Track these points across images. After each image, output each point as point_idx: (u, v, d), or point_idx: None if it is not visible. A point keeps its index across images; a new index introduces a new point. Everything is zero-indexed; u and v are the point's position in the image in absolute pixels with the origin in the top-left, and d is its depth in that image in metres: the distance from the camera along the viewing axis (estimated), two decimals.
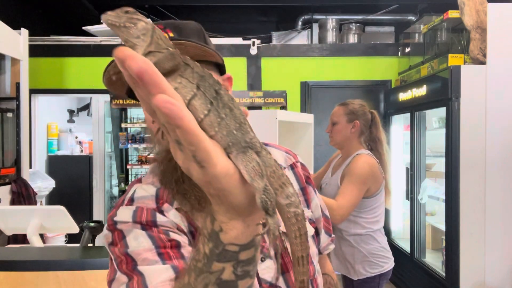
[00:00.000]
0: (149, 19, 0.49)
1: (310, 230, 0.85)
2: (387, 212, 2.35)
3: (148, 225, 0.69)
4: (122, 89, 0.78)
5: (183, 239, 0.70)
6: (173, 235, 0.69)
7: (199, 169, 0.41)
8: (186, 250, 0.68)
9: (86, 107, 6.20)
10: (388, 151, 2.28)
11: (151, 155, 0.80)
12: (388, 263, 2.17)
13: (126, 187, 0.90)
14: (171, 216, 0.72)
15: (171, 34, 0.73)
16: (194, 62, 0.47)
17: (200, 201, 0.71)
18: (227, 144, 0.43)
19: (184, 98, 0.41)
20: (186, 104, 0.41)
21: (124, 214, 0.72)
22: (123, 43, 0.45)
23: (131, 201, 0.76)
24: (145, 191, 0.77)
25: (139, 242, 0.67)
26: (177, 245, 0.68)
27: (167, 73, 0.42)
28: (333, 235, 1.00)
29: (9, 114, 3.54)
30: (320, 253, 0.98)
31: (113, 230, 0.71)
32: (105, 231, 0.73)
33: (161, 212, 0.72)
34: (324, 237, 0.97)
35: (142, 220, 0.70)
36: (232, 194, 0.43)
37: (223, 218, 0.46)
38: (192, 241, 0.71)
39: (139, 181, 0.83)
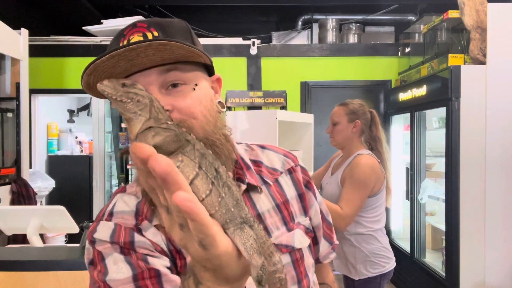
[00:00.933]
0: (146, 92, 0.49)
1: (305, 241, 0.83)
2: (387, 212, 2.35)
3: (127, 248, 0.68)
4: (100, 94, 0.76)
5: (163, 264, 0.68)
6: (152, 261, 0.67)
7: (201, 250, 0.43)
8: (166, 279, 0.66)
9: (86, 107, 6.20)
10: (388, 150, 2.28)
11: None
12: (390, 263, 2.17)
13: None
14: (150, 235, 0.70)
15: (155, 33, 0.70)
16: (193, 136, 0.48)
17: None
18: (225, 221, 0.45)
19: (186, 178, 0.43)
20: (188, 183, 0.42)
21: (103, 231, 0.70)
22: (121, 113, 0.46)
23: (110, 215, 0.73)
24: (125, 204, 0.75)
25: (118, 268, 0.66)
26: (156, 275, 0.66)
27: (169, 153, 0.44)
28: (335, 242, 0.96)
29: (9, 114, 3.54)
30: (319, 261, 0.94)
31: (93, 248, 0.70)
32: (86, 244, 0.72)
33: (140, 231, 0.70)
34: (324, 245, 0.93)
35: (120, 241, 0.68)
36: (228, 268, 0.45)
37: (212, 285, 0.47)
38: (172, 261, 0.70)
39: (122, 189, 0.80)
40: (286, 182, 0.87)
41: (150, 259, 0.67)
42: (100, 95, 0.70)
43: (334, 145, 2.29)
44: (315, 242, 0.91)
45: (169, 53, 0.66)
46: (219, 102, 0.78)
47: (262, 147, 0.92)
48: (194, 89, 0.72)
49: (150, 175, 0.40)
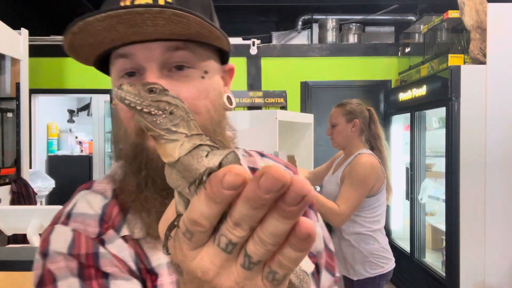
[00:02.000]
0: (179, 101, 0.36)
1: (310, 266, 0.72)
2: (387, 212, 2.36)
3: (88, 266, 0.54)
4: (87, 57, 0.61)
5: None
6: (119, 286, 0.54)
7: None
8: None
9: (86, 107, 6.20)
10: (387, 148, 2.29)
11: (116, 151, 0.64)
12: (389, 264, 2.17)
13: None
14: (115, 249, 0.57)
15: (169, 0, 0.57)
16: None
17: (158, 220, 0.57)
18: None
19: None
20: None
21: (59, 241, 0.56)
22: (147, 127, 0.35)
23: (68, 217, 0.59)
24: (88, 205, 0.61)
25: None
26: None
27: None
28: (337, 275, 0.79)
29: (9, 114, 3.54)
30: None
31: (43, 263, 0.55)
32: (36, 255, 0.58)
33: (103, 243, 0.57)
34: (325, 277, 0.77)
35: (80, 253, 0.55)
36: None
37: None
38: (142, 282, 0.57)
39: (88, 186, 0.65)
40: None
41: (114, 283, 0.54)
42: (85, 59, 0.61)
43: (335, 147, 2.30)
44: (317, 270, 0.77)
45: (183, 27, 0.54)
46: (228, 97, 0.67)
47: (261, 154, 0.82)
48: (203, 77, 0.60)
49: (266, 205, 0.29)
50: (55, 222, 0.60)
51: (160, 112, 0.34)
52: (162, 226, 0.39)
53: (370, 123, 2.23)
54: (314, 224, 0.30)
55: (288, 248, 0.30)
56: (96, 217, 0.59)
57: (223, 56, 0.67)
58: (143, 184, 0.57)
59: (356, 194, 2.06)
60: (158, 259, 0.58)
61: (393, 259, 2.22)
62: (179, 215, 0.36)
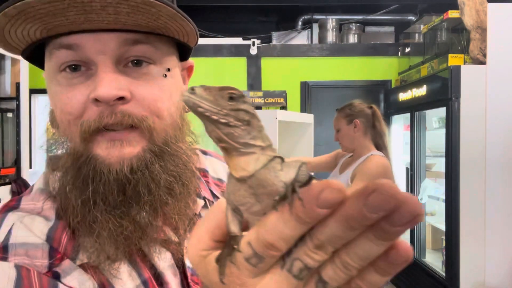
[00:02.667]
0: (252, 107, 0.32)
1: None
2: None
3: None
4: (17, 45, 0.50)
5: None
6: None
7: None
8: None
9: None
10: (390, 144, 2.28)
11: (52, 160, 0.54)
12: None
13: None
14: (75, 282, 0.47)
15: None
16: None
17: (120, 247, 0.49)
18: None
19: None
20: None
21: (0, 281, 0.44)
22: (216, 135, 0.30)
23: (5, 250, 0.46)
24: (28, 231, 0.48)
25: None
26: None
27: None
28: None
29: (9, 114, 3.54)
30: None
31: None
32: None
33: (57, 277, 0.46)
34: None
35: None
36: None
37: None
38: None
39: (13, 204, 0.52)
40: None
41: None
42: (14, 48, 0.50)
43: (345, 151, 2.28)
44: None
45: (150, 18, 0.47)
46: None
47: (204, 152, 0.74)
48: (165, 75, 0.53)
49: (365, 225, 0.25)
50: None
51: (239, 123, 0.29)
52: (192, 250, 0.32)
53: (374, 120, 2.20)
54: (409, 246, 0.26)
55: (373, 272, 0.26)
56: (44, 246, 0.47)
57: (182, 51, 0.58)
58: (91, 202, 0.48)
59: None
60: (123, 285, 0.51)
61: None
62: (233, 236, 0.31)
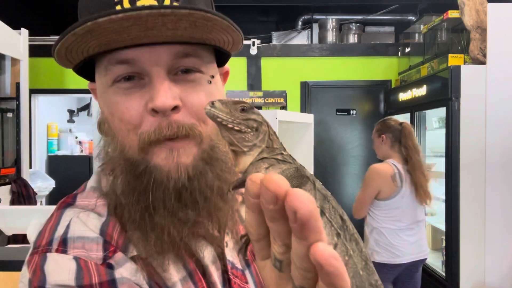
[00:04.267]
0: (262, 117, 0.39)
1: None
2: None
3: None
4: (72, 59, 0.54)
5: None
6: None
7: None
8: None
9: (86, 107, 6.20)
10: (420, 158, 2.54)
11: (105, 161, 0.57)
12: (394, 259, 2.53)
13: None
14: (127, 273, 0.50)
15: (175, 3, 0.51)
16: (310, 173, 0.38)
17: (173, 244, 0.53)
18: None
19: None
20: None
21: (60, 272, 0.47)
22: (228, 139, 0.36)
23: (64, 243, 0.50)
24: (84, 226, 0.52)
25: None
26: None
27: None
28: None
29: (9, 114, 3.54)
30: None
31: None
32: None
33: (111, 268, 0.50)
34: None
35: (93, 283, 0.47)
36: None
37: None
38: None
39: (70, 200, 0.57)
40: None
41: None
42: (69, 62, 0.54)
43: (379, 158, 2.71)
44: None
45: (205, 31, 0.50)
46: None
47: None
48: (210, 82, 0.56)
49: (276, 218, 0.28)
50: (44, 250, 0.50)
51: (249, 130, 0.36)
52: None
53: (401, 136, 2.55)
54: (333, 251, 0.27)
55: (320, 281, 0.27)
56: (98, 240, 0.51)
57: (220, 57, 0.61)
58: (151, 208, 0.52)
59: (362, 194, 2.55)
60: (171, 277, 0.54)
61: (401, 257, 2.54)
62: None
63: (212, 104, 0.36)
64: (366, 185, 2.52)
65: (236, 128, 0.36)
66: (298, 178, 0.36)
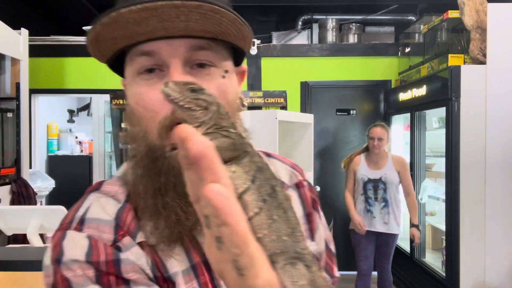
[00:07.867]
0: (214, 98, 0.42)
1: None
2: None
3: (107, 274, 0.52)
4: (105, 52, 0.59)
5: None
6: None
7: (237, 277, 0.34)
8: None
9: (86, 107, 6.20)
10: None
11: (132, 152, 0.60)
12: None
13: None
14: (133, 256, 0.54)
15: None
16: (254, 149, 0.41)
17: (178, 228, 0.56)
18: (274, 252, 0.37)
19: (235, 191, 0.36)
20: (236, 197, 0.36)
21: (74, 248, 0.53)
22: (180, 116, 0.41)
23: (81, 223, 0.56)
24: (102, 210, 0.57)
25: None
26: None
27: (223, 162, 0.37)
28: (336, 275, 0.76)
29: (9, 114, 3.54)
30: None
31: (56, 270, 0.52)
32: (47, 261, 0.54)
33: (119, 250, 0.54)
34: None
35: (100, 261, 0.52)
36: None
37: None
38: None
39: (97, 186, 0.63)
40: (293, 197, 0.72)
41: None
42: (103, 55, 0.59)
43: (376, 154, 3.28)
44: None
45: (215, 24, 0.54)
46: (240, 99, 0.67)
47: (268, 154, 0.79)
48: (224, 76, 0.59)
49: (190, 167, 0.33)
50: (65, 227, 0.56)
51: (198, 108, 0.40)
52: None
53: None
54: (222, 189, 0.32)
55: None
56: (111, 223, 0.56)
57: (237, 57, 0.65)
58: (163, 189, 0.55)
59: (408, 175, 3.32)
60: (174, 266, 0.56)
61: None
62: None
63: (166, 84, 0.41)
64: (407, 169, 3.28)
65: (186, 106, 0.40)
66: (232, 150, 0.39)
